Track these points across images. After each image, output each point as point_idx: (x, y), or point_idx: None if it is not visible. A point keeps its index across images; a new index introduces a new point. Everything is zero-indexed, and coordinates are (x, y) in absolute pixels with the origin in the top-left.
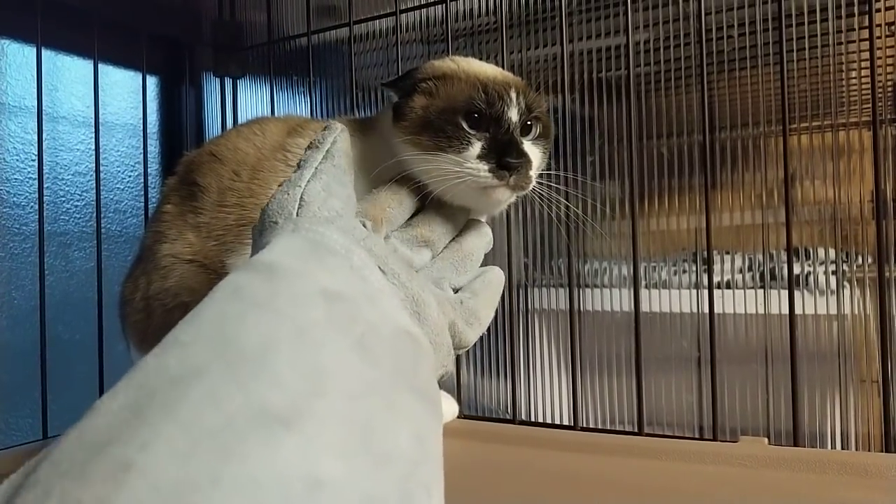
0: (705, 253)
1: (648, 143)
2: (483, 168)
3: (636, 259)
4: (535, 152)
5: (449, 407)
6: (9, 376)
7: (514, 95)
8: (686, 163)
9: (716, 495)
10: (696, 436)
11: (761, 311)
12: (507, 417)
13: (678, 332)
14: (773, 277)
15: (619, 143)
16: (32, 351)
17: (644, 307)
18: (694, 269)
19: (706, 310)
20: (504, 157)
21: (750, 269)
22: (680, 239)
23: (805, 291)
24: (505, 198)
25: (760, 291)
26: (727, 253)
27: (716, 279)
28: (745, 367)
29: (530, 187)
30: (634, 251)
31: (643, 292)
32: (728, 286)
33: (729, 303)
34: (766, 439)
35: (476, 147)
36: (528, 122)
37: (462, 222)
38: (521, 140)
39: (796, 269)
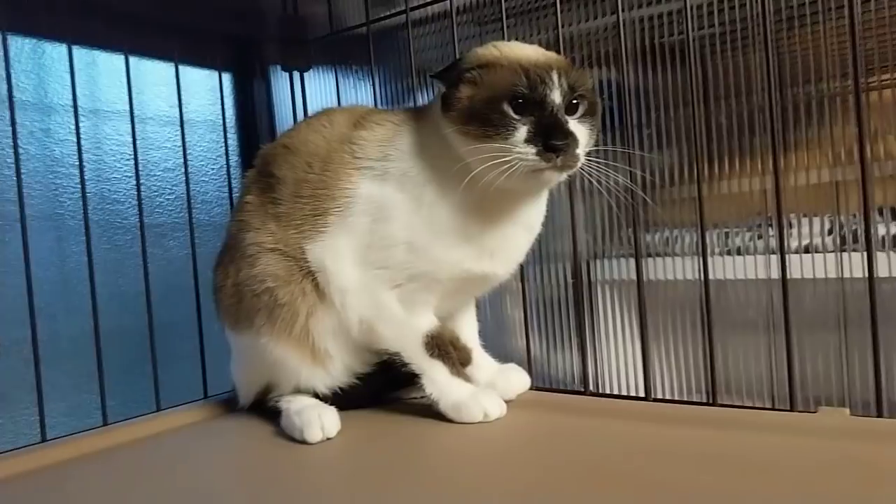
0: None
1: (709, 107)
2: (530, 151)
3: (702, 226)
4: (581, 130)
5: (520, 379)
6: (123, 355)
7: (555, 77)
8: (755, 124)
9: (794, 467)
10: (771, 406)
11: (840, 274)
12: (579, 389)
13: (751, 299)
14: (854, 240)
15: (676, 109)
16: (141, 332)
17: (718, 274)
18: (766, 233)
19: (777, 275)
20: (550, 140)
21: (829, 231)
22: (751, 203)
23: (891, 253)
24: (554, 179)
25: (838, 255)
26: (804, 215)
27: (792, 243)
28: (822, 335)
29: (578, 165)
30: (700, 218)
31: (715, 259)
32: (806, 250)
33: (804, 267)
34: (847, 409)
35: (522, 132)
36: (574, 101)
37: None
38: (565, 120)
39: (877, 230)
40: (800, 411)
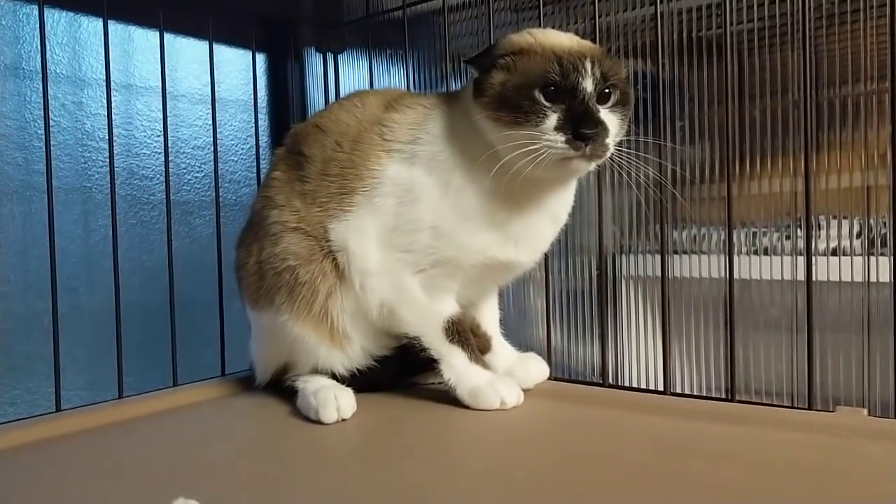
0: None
1: (743, 104)
2: (560, 139)
3: (730, 224)
4: (612, 120)
5: (539, 368)
6: (143, 331)
7: (588, 66)
8: (789, 123)
9: (810, 464)
10: (790, 404)
11: (867, 278)
12: (598, 381)
13: (775, 299)
14: (883, 244)
15: (710, 105)
16: (162, 308)
17: (744, 274)
18: (794, 234)
19: (803, 277)
20: (579, 128)
21: (858, 235)
22: (781, 203)
23: None
24: (583, 167)
25: (865, 258)
26: (833, 217)
27: (820, 245)
28: (844, 337)
29: (607, 155)
30: (729, 216)
31: (741, 258)
32: (834, 253)
33: (831, 269)
34: (864, 410)
35: (552, 119)
36: (606, 91)
37: None
38: (596, 109)
39: None
40: (818, 410)
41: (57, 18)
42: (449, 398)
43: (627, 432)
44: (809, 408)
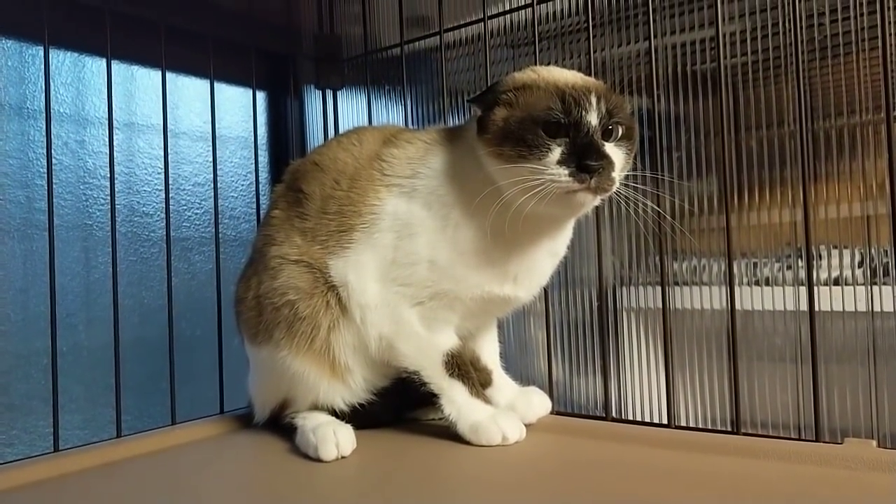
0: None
1: (739, 135)
2: (563, 172)
3: (730, 256)
4: (617, 154)
5: (542, 402)
6: (141, 369)
7: (593, 100)
8: (786, 154)
9: (820, 497)
10: (797, 437)
11: (870, 308)
12: (600, 415)
13: (778, 329)
14: (885, 273)
15: (707, 137)
16: (160, 345)
17: (745, 304)
18: (795, 264)
19: (805, 307)
20: (584, 160)
21: (860, 265)
22: (781, 233)
23: None
24: (588, 201)
25: (868, 287)
26: (834, 247)
27: (821, 275)
28: (850, 367)
29: (613, 188)
30: (728, 247)
31: (742, 289)
32: (836, 283)
33: (834, 299)
34: (873, 441)
35: (556, 153)
36: (610, 126)
37: None
38: (601, 143)
39: None
40: (825, 442)
41: (62, 59)
42: (450, 434)
43: (632, 466)
44: (817, 440)
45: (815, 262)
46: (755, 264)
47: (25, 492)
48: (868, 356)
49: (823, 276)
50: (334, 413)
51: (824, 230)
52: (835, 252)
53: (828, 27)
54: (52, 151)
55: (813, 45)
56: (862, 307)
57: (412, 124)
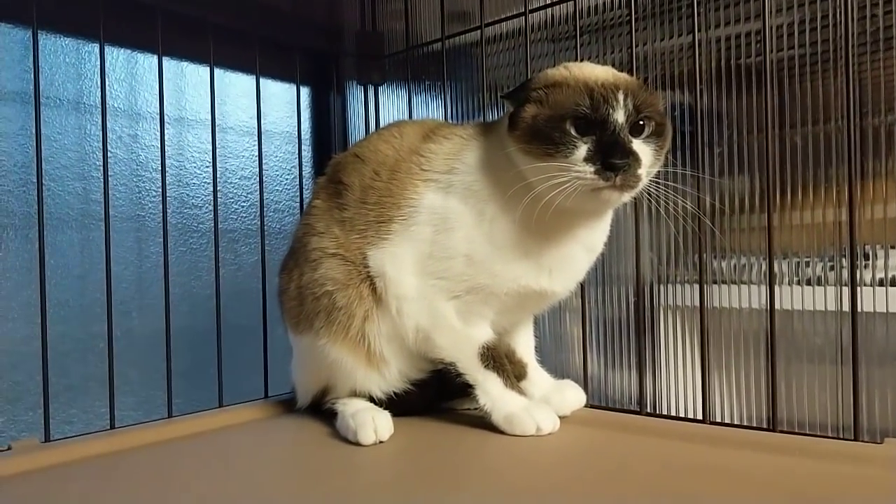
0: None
1: (783, 132)
2: (589, 170)
3: (771, 254)
4: (645, 151)
5: (576, 396)
6: (191, 355)
7: (621, 97)
8: (832, 151)
9: (856, 496)
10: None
11: None
12: (635, 409)
13: (818, 329)
14: None
15: (750, 133)
16: (209, 332)
17: (786, 304)
18: (839, 264)
19: (848, 308)
20: (609, 158)
21: None
22: (825, 233)
23: None
24: (614, 198)
25: None
26: (880, 247)
27: (867, 275)
28: (891, 369)
29: (640, 186)
30: (770, 247)
31: (783, 288)
32: (881, 283)
33: (878, 300)
34: None
35: (582, 150)
36: (640, 122)
37: None
38: (628, 140)
39: None
40: (865, 441)
41: (116, 55)
42: (485, 423)
43: (666, 459)
44: (856, 439)
45: (861, 263)
46: (797, 264)
47: (85, 465)
48: None
49: (869, 276)
50: (372, 400)
51: (870, 229)
52: (881, 252)
53: (881, 18)
54: (108, 145)
55: (864, 37)
56: None
57: (452, 119)
